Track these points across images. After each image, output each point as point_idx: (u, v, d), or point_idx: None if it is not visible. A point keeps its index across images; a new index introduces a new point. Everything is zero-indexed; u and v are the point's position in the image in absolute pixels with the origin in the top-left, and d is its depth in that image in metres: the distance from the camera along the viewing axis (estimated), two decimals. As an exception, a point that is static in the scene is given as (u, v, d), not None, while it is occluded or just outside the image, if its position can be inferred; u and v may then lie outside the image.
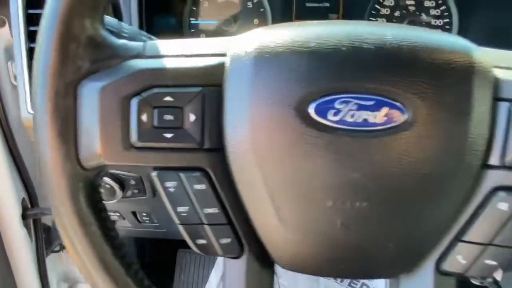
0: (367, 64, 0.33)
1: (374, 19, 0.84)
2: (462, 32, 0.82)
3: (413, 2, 0.83)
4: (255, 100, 0.34)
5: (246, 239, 0.38)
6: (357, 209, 0.34)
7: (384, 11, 0.83)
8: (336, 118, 0.33)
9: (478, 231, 0.36)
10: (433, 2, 0.82)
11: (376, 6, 0.83)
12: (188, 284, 1.43)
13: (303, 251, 0.37)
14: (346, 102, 0.33)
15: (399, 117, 0.33)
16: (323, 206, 0.34)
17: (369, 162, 0.33)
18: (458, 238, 0.36)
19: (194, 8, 0.86)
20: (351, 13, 0.84)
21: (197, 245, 0.38)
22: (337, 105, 0.33)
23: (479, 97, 0.33)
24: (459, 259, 0.37)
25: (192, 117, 0.35)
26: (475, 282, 0.56)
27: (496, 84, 0.34)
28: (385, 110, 0.33)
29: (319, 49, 0.33)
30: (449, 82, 0.33)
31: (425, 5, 0.82)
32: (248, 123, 0.34)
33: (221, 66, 0.35)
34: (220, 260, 1.50)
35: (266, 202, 0.35)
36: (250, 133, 0.34)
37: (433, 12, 0.82)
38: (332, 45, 0.33)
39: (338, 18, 0.84)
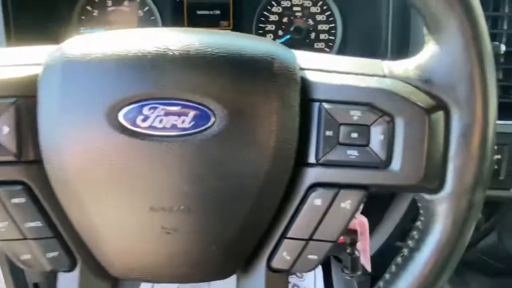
0: (172, 70, 0.33)
1: (263, 25, 0.86)
2: (346, 35, 0.86)
3: (299, 9, 0.86)
4: (66, 109, 0.33)
5: (78, 251, 0.37)
6: (176, 213, 0.35)
7: (272, 17, 0.86)
8: (146, 124, 0.33)
9: (300, 228, 0.37)
10: (318, 8, 0.86)
11: (264, 12, 0.86)
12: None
13: (132, 259, 0.37)
14: (154, 108, 0.33)
15: (206, 121, 0.33)
16: (143, 212, 0.34)
17: (181, 166, 0.34)
18: (283, 236, 0.38)
19: (83, 17, 0.84)
20: (241, 20, 0.86)
21: (21, 261, 0.37)
22: (145, 111, 0.33)
23: (285, 99, 0.34)
24: (285, 256, 0.38)
25: (5, 129, 0.34)
26: (346, 277, 0.58)
27: (305, 85, 0.36)
28: (191, 114, 0.33)
29: (126, 56, 0.33)
30: (252, 86, 0.34)
31: (311, 11, 0.86)
32: (60, 132, 0.34)
33: (35, 75, 0.35)
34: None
35: (88, 211, 0.35)
36: (63, 143, 0.34)
37: (318, 17, 0.86)
38: (138, 52, 0.33)
39: (228, 25, 0.86)
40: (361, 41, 0.83)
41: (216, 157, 0.34)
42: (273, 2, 0.85)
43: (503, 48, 0.58)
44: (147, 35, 0.35)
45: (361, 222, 0.55)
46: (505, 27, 0.61)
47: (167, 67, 0.33)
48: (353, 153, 0.35)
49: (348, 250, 0.57)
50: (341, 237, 0.57)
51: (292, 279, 1.45)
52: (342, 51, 0.86)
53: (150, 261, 0.37)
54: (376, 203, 0.72)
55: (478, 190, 0.35)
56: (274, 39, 0.86)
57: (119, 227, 0.35)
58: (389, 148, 0.35)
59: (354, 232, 0.56)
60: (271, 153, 0.34)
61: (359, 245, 0.57)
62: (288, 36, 0.86)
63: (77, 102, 0.33)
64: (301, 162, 0.36)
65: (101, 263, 0.38)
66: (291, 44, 0.86)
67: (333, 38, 0.86)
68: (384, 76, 0.36)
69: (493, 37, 0.60)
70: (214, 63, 0.33)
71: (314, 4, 0.85)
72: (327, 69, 0.37)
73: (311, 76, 0.36)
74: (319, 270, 1.45)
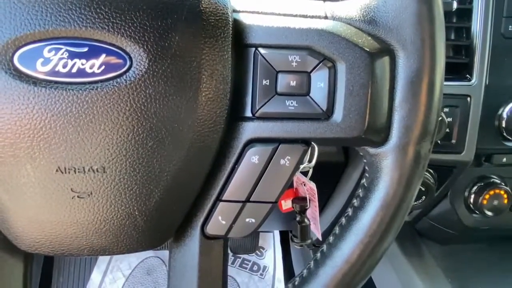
0: (77, 4, 0.28)
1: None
2: None
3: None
4: None
5: None
6: (88, 175, 0.30)
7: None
8: (46, 69, 0.28)
9: (236, 189, 0.33)
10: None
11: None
12: (68, 285, 1.32)
13: (39, 230, 0.32)
14: (56, 50, 0.28)
15: (121, 66, 0.29)
16: (48, 174, 0.30)
17: (92, 119, 0.29)
18: (218, 198, 0.34)
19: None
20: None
21: None
22: (46, 53, 0.28)
23: (214, 43, 0.30)
24: (220, 220, 0.34)
25: None
26: (296, 246, 0.56)
27: (238, 29, 0.32)
28: (102, 57, 0.29)
29: None
30: (174, 25, 0.29)
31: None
32: None
33: None
34: (102, 257, 1.41)
35: None
36: None
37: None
38: None
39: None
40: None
41: (134, 108, 0.29)
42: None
43: (454, 5, 0.55)
44: None
45: (310, 188, 0.52)
46: (457, -16, 0.59)
47: (72, 0, 0.28)
48: (292, 104, 0.32)
49: (298, 218, 0.54)
50: (290, 205, 0.54)
51: (252, 258, 1.44)
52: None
53: (60, 231, 0.32)
54: (329, 171, 0.70)
55: (426, 142, 0.32)
56: None
57: (21, 193, 0.30)
58: (331, 97, 0.31)
59: (303, 199, 0.53)
60: (201, 104, 0.30)
61: (308, 213, 0.55)
62: None
63: None
64: (236, 116, 0.32)
65: (7, 235, 0.33)
66: None
67: None
68: (326, 18, 0.33)
69: (446, -6, 0.58)
70: None
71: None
72: (264, 11, 0.33)
73: (245, 18, 0.32)
74: (278, 248, 1.44)
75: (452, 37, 0.59)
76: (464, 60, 0.58)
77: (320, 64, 0.31)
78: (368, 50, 0.31)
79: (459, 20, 0.58)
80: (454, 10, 0.56)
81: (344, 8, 0.33)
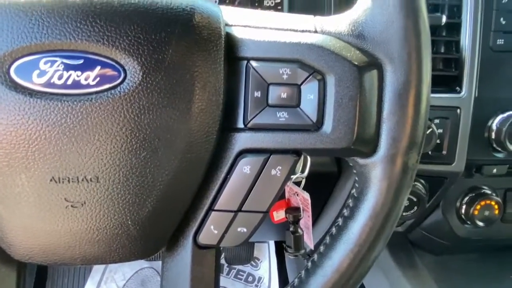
0: (73, 17, 0.29)
1: None
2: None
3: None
4: None
5: None
6: (82, 184, 0.30)
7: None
8: (42, 81, 0.29)
9: (228, 198, 0.34)
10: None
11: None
12: (61, 296, 1.31)
13: (33, 239, 0.32)
14: (52, 62, 0.29)
15: (115, 78, 0.29)
16: (42, 183, 0.30)
17: (86, 129, 0.29)
18: (210, 208, 0.34)
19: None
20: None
21: None
22: (42, 65, 0.29)
23: (207, 56, 0.31)
24: (212, 230, 0.35)
25: None
26: (290, 256, 0.56)
27: (231, 42, 0.32)
28: (97, 69, 0.29)
29: (19, 1, 0.29)
30: (168, 38, 0.30)
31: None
32: None
33: None
34: (96, 268, 1.40)
35: None
36: None
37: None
38: None
39: None
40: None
41: (128, 118, 0.30)
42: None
43: (444, 19, 0.57)
44: None
45: (303, 198, 0.53)
46: (446, -2, 0.60)
47: (66, 13, 0.29)
48: (283, 115, 0.32)
49: (291, 228, 0.54)
50: (283, 216, 0.55)
51: (247, 268, 1.43)
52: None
53: (53, 240, 0.32)
54: (322, 182, 0.70)
55: (413, 153, 0.33)
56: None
57: (15, 202, 0.31)
58: (320, 109, 0.32)
59: (297, 209, 0.53)
60: (193, 116, 0.31)
61: (302, 223, 0.55)
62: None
63: None
64: (228, 127, 0.33)
65: (0, 245, 0.33)
66: (239, 2, 0.82)
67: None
68: (315, 32, 0.34)
69: (435, 8, 0.60)
70: (123, 10, 0.29)
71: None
72: (256, 26, 0.34)
73: (237, 32, 0.33)
74: (273, 258, 1.44)
75: (442, 50, 0.60)
76: (453, 73, 0.59)
77: (310, 77, 0.32)
78: (356, 63, 0.32)
79: (448, 34, 0.60)
80: (443, 24, 0.57)
81: (334, 23, 0.34)
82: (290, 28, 0.34)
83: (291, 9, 0.82)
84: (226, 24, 0.33)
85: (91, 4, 0.29)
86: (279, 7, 0.83)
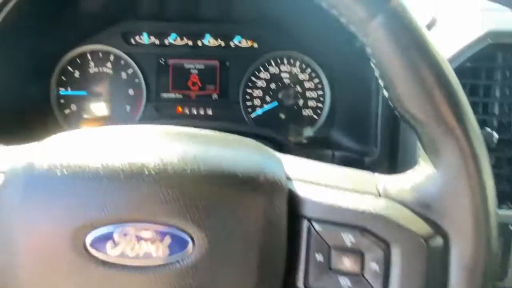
0: (145, 193, 0.30)
1: (250, 91, 0.84)
2: (334, 104, 0.84)
3: (287, 75, 0.84)
4: (26, 227, 0.30)
5: None
6: None
7: (259, 83, 0.84)
8: (115, 253, 0.30)
9: None
10: (307, 75, 0.84)
11: (252, 78, 0.84)
12: None
13: None
14: (125, 234, 0.30)
15: (184, 248, 0.30)
16: None
17: None
18: None
19: (64, 78, 0.81)
20: (228, 85, 0.84)
21: None
22: (115, 237, 0.30)
23: (271, 215, 0.31)
24: None
25: None
26: None
27: (292, 199, 0.33)
28: (167, 240, 0.30)
29: (98, 175, 0.30)
30: (234, 207, 0.31)
31: (299, 78, 0.84)
32: (17, 254, 0.30)
33: None
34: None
35: None
36: (20, 265, 0.30)
37: (307, 84, 0.84)
38: (112, 172, 0.30)
39: (215, 90, 0.84)
40: (350, 112, 0.81)
41: (195, 286, 0.30)
42: (261, 68, 0.84)
43: (496, 136, 0.56)
44: (123, 146, 0.32)
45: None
46: (496, 111, 0.60)
47: (140, 189, 0.30)
48: (346, 283, 0.32)
49: None
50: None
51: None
52: (330, 119, 0.84)
53: None
54: None
55: None
56: (261, 105, 0.84)
57: None
58: (385, 281, 0.32)
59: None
60: (257, 276, 0.31)
61: None
62: (275, 103, 0.84)
63: (39, 221, 0.30)
64: (289, 284, 0.33)
65: None
66: (279, 110, 0.84)
67: (321, 105, 0.85)
68: (379, 195, 0.34)
69: (483, 123, 0.59)
70: (192, 182, 0.30)
71: (303, 71, 0.84)
72: (317, 182, 0.34)
73: (299, 189, 0.33)
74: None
75: (492, 163, 0.60)
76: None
77: (374, 246, 0.32)
78: (422, 234, 0.31)
79: (498, 149, 0.59)
80: (496, 141, 0.57)
81: (396, 186, 0.34)
82: (351, 188, 0.34)
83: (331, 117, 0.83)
84: (287, 177, 0.34)
85: (162, 180, 0.30)
86: (321, 99, 0.85)
